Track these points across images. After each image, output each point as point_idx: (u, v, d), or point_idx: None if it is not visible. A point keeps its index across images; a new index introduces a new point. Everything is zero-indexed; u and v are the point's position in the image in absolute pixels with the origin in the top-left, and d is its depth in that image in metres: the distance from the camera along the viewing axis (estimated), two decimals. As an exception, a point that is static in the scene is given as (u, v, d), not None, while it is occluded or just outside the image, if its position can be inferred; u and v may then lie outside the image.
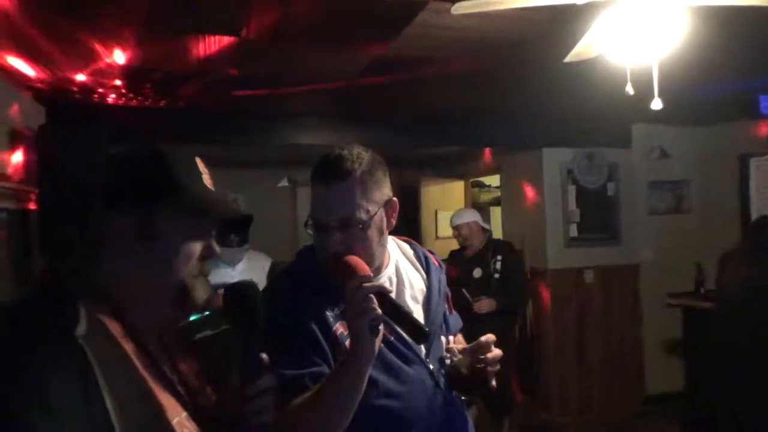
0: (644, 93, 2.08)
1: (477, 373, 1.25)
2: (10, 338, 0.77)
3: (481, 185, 7.62)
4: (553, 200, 4.98)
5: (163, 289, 0.90)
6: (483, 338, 1.25)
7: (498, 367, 1.27)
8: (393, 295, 1.26)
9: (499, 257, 4.25)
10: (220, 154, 5.76)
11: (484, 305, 4.05)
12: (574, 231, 5.01)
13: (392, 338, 1.24)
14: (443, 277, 1.43)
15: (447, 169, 6.74)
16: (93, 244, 0.90)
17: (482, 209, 6.56)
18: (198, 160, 0.98)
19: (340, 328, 1.21)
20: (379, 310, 1.07)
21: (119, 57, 2.83)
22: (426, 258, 1.43)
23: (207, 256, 0.94)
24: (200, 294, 0.92)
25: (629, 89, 1.94)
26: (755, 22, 2.37)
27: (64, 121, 3.75)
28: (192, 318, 2.78)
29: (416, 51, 2.79)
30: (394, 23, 2.40)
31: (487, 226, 4.52)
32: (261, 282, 3.52)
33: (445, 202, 6.95)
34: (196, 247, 0.92)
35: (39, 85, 3.29)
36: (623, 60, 1.90)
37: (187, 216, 0.91)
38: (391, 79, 3.37)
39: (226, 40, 2.56)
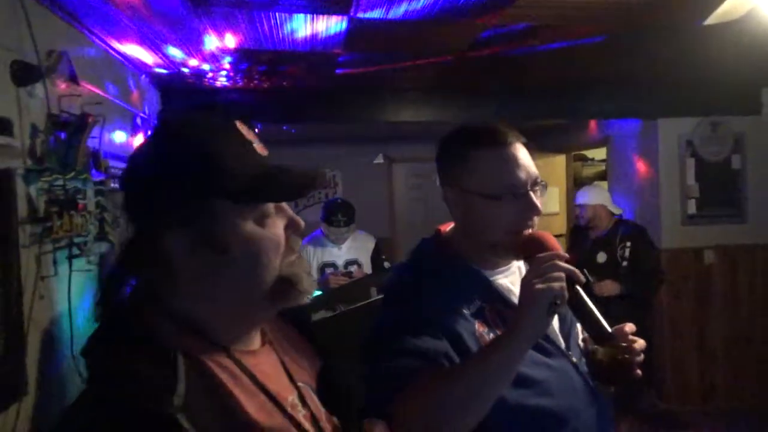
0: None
1: (620, 363, 1.16)
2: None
3: (584, 159, 7.26)
4: (668, 174, 4.62)
5: (257, 292, 0.74)
6: (626, 327, 1.15)
7: (642, 357, 1.16)
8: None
9: (628, 244, 3.89)
10: (316, 132, 5.86)
11: (607, 288, 3.74)
12: (692, 208, 4.63)
13: None
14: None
15: (549, 142, 6.46)
16: (161, 264, 0.72)
17: (584, 185, 6.24)
18: (239, 125, 0.77)
19: (479, 328, 1.10)
20: (566, 292, 0.95)
21: (230, 41, 2.88)
22: None
23: (294, 233, 0.78)
24: (306, 281, 0.77)
25: None
26: None
27: (177, 106, 3.93)
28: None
29: (530, 20, 2.63)
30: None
31: (617, 210, 4.20)
32: (366, 261, 3.55)
33: (546, 177, 6.67)
34: (278, 231, 0.75)
35: (155, 70, 3.44)
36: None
37: (251, 200, 0.73)
38: (498, 51, 3.21)
39: (335, 19, 2.52)
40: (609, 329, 1.02)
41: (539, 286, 0.94)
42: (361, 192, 6.81)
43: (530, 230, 1.10)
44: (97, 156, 2.47)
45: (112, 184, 2.60)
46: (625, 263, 3.86)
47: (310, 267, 3.39)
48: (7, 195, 1.82)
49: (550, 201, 5.60)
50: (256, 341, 0.81)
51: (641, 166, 4.88)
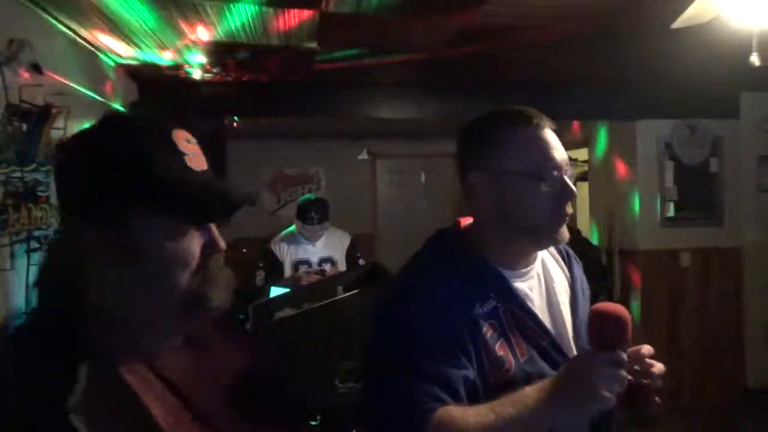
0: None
1: (637, 389, 1.02)
2: None
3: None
4: (647, 176, 4.64)
5: (166, 304, 0.74)
6: (643, 350, 1.05)
7: (661, 382, 1.05)
8: (543, 299, 1.12)
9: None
10: (299, 127, 5.83)
11: None
12: (671, 210, 4.66)
13: (544, 343, 1.07)
14: (583, 274, 1.22)
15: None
16: (75, 259, 0.73)
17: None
18: (178, 134, 0.75)
19: (489, 330, 1.02)
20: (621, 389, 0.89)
21: (203, 33, 2.85)
22: (566, 249, 1.21)
23: (209, 252, 0.76)
24: (219, 294, 0.75)
25: (755, 59, 1.69)
26: None
27: (154, 97, 3.88)
28: (272, 295, 2.80)
29: (506, 19, 2.61)
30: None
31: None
32: (340, 259, 3.53)
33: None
34: (192, 248, 0.74)
35: (131, 62, 3.39)
36: (747, 22, 1.66)
37: (167, 217, 0.72)
38: (475, 50, 3.20)
39: (307, 13, 2.49)
40: (654, 419, 0.99)
41: (605, 393, 0.88)
42: (344, 188, 6.79)
43: (613, 307, 0.98)
44: (61, 147, 2.43)
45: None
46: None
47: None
48: (-40, 186, 1.78)
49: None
50: (176, 342, 0.80)
51: (620, 167, 4.89)
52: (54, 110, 2.28)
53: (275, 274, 3.27)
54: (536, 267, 1.13)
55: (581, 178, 6.76)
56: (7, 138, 2.04)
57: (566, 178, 1.06)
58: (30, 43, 2.21)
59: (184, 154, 0.74)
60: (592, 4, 2.31)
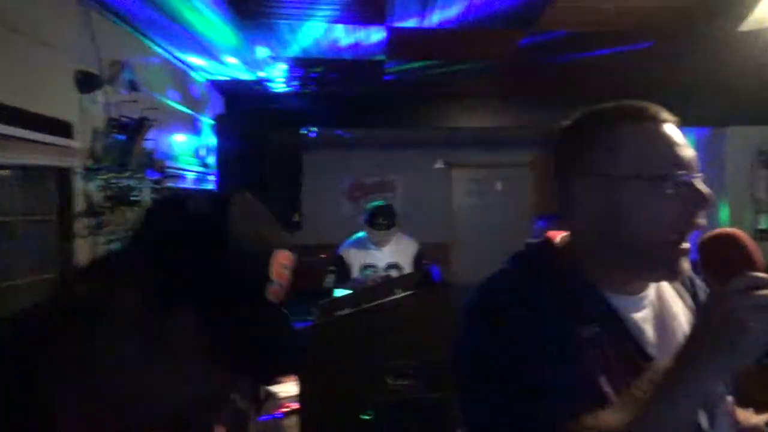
0: None
1: None
2: None
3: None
4: (737, 187, 4.39)
5: None
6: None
7: None
8: (657, 335, 0.90)
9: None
10: (377, 135, 6.00)
11: None
12: (764, 222, 4.38)
13: None
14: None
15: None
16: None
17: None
18: (278, 257, 0.64)
19: (592, 358, 0.85)
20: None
21: (277, 49, 3.05)
22: (691, 275, 0.97)
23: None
24: None
25: None
26: None
27: (239, 109, 4.17)
28: (336, 296, 2.92)
29: (568, 26, 2.62)
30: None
31: None
32: (406, 264, 3.62)
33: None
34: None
35: (217, 78, 3.68)
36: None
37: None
38: (552, 59, 3.21)
39: (374, 29, 2.62)
40: None
41: (752, 324, 0.70)
42: (420, 196, 6.89)
43: (715, 231, 0.82)
44: (152, 156, 2.69)
45: (168, 183, 2.82)
46: None
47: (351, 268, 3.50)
48: (67, 190, 2.04)
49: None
50: None
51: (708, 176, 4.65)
52: (147, 123, 2.55)
53: (343, 277, 3.40)
54: (650, 294, 0.92)
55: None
56: (108, 148, 2.31)
57: (696, 180, 0.84)
58: (129, 63, 2.49)
59: (270, 282, 0.63)
60: (648, 8, 2.27)
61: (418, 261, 3.62)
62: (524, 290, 0.88)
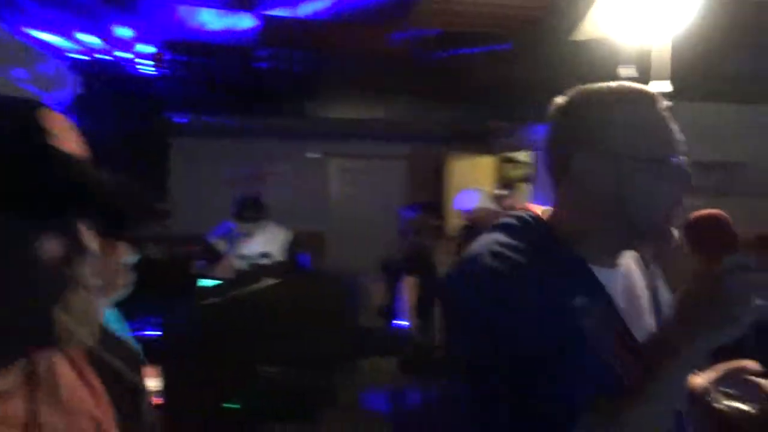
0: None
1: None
2: None
3: (512, 160, 7.52)
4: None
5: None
6: (749, 364, 0.94)
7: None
8: (625, 299, 0.95)
9: None
10: (253, 125, 5.89)
11: None
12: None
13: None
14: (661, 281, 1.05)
15: (477, 144, 6.69)
16: None
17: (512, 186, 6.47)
18: (45, 115, 0.57)
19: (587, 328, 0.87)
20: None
21: (140, 29, 2.90)
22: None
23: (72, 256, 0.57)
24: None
25: (628, 70, 1.86)
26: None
27: (97, 91, 3.90)
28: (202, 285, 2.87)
29: (435, 25, 2.77)
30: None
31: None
32: (278, 253, 3.62)
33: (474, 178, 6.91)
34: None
35: (71, 55, 3.41)
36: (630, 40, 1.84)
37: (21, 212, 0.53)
38: (425, 55, 3.34)
39: (245, 15, 2.59)
40: None
41: (742, 302, 0.77)
42: (296, 185, 6.86)
43: (700, 211, 0.87)
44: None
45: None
46: None
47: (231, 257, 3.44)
48: None
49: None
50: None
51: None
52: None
53: (212, 266, 3.33)
54: (622, 268, 0.97)
55: (524, 179, 7.01)
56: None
57: (684, 162, 0.92)
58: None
59: (51, 134, 0.56)
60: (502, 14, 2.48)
61: (291, 250, 3.64)
62: (519, 257, 0.88)
